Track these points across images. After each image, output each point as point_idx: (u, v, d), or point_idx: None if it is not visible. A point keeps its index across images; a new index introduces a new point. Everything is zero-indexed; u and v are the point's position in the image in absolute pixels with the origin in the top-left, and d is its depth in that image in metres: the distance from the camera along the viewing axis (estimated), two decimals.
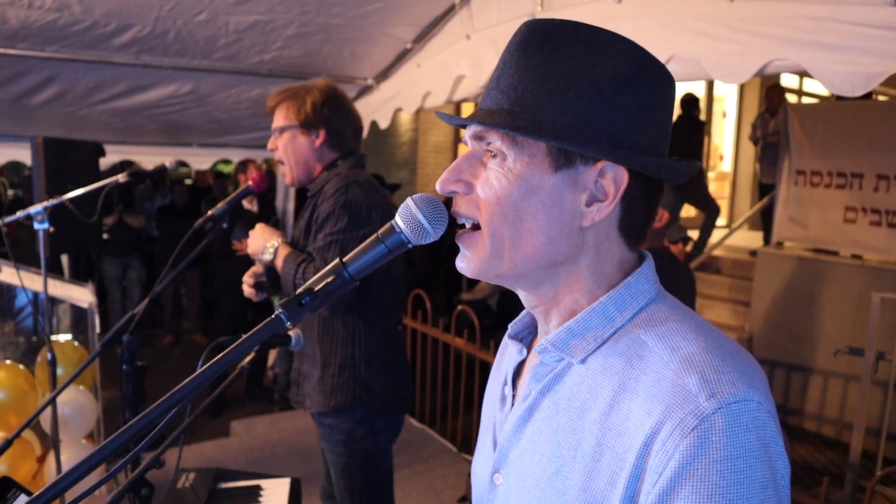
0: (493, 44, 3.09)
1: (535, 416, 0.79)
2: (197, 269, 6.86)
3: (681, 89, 6.94)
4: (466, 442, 4.17)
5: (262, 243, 2.03)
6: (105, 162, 4.16)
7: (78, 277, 4.44)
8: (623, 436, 0.68)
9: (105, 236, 6.32)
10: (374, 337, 2.07)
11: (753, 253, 5.86)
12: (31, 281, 3.11)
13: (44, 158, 2.50)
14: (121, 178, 2.27)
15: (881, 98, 7.83)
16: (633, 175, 0.73)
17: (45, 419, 3.02)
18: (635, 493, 0.66)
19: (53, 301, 3.48)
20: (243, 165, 5.32)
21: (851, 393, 4.66)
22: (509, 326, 0.92)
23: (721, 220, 9.21)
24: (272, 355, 5.54)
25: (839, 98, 4.86)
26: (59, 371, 2.87)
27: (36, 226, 2.23)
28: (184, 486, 1.68)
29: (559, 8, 2.80)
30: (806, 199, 5.24)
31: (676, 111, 6.39)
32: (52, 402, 2.37)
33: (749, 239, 7.13)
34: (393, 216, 0.78)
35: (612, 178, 0.73)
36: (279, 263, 1.96)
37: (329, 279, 0.76)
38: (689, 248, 5.83)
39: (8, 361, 3.31)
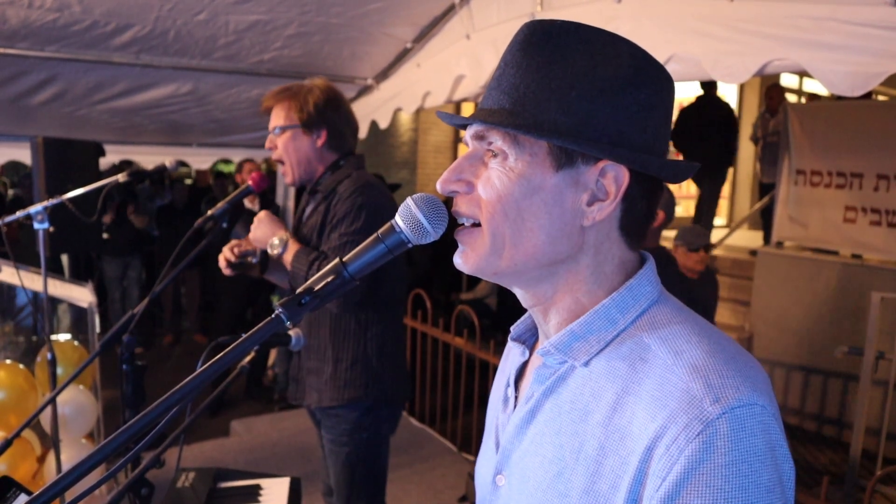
0: (492, 44, 3.09)
1: (537, 418, 0.79)
2: (197, 268, 6.87)
3: (693, 90, 6.88)
4: (466, 441, 4.16)
5: (269, 234, 2.00)
6: (105, 162, 4.16)
7: (78, 277, 4.45)
8: (626, 439, 0.67)
9: (105, 236, 6.33)
10: (385, 331, 2.11)
11: (753, 252, 5.85)
12: (31, 281, 3.10)
13: (44, 158, 2.49)
14: (121, 177, 2.27)
15: (881, 98, 7.84)
16: (633, 174, 0.73)
17: (45, 419, 3.02)
18: (638, 497, 0.66)
19: (53, 301, 3.48)
20: (241, 166, 5.33)
21: (851, 393, 4.66)
22: (511, 329, 0.92)
23: (721, 220, 9.23)
24: (272, 355, 5.56)
25: (839, 98, 4.86)
26: (59, 371, 2.87)
27: (36, 226, 2.23)
28: (184, 486, 1.68)
29: (559, 8, 2.80)
30: (806, 198, 5.24)
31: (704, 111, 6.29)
32: (52, 401, 2.37)
33: (749, 238, 7.13)
34: None
35: (614, 178, 0.73)
36: (289, 258, 1.96)
37: (329, 279, 0.76)
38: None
39: (8, 361, 3.31)
